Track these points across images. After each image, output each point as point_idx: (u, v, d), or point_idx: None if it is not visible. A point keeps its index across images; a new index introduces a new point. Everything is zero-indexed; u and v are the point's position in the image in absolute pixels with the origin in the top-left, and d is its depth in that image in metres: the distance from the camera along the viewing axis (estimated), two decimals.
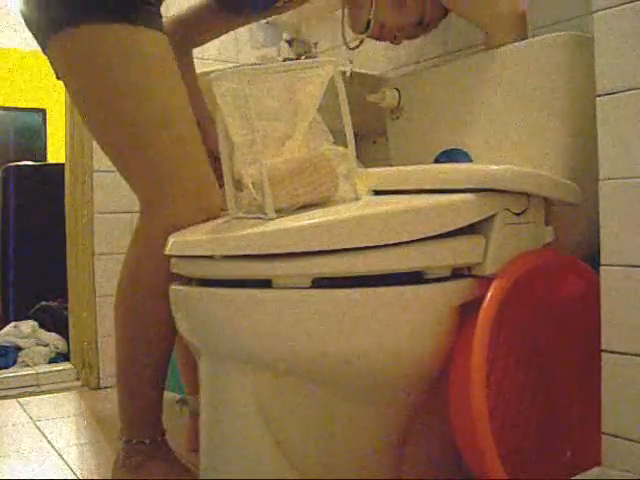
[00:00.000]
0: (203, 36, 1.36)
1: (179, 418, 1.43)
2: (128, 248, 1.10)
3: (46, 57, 1.11)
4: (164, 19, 1.12)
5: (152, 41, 1.03)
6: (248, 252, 0.83)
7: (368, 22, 1.34)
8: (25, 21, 1.09)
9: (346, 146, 0.96)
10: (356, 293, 0.85)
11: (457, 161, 1.29)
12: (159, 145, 1.03)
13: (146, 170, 1.05)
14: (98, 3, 1.01)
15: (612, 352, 0.86)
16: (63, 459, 1.31)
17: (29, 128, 4.08)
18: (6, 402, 1.76)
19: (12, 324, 2.22)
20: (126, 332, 1.10)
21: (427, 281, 0.90)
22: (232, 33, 2.07)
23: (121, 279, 1.11)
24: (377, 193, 1.00)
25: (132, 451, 1.10)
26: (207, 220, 1.03)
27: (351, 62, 1.46)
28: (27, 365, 2.03)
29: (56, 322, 2.24)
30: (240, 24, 1.37)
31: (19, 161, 2.73)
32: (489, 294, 0.89)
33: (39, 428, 1.50)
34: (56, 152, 3.83)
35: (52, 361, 2.09)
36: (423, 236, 0.87)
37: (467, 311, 0.92)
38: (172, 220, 1.02)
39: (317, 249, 0.82)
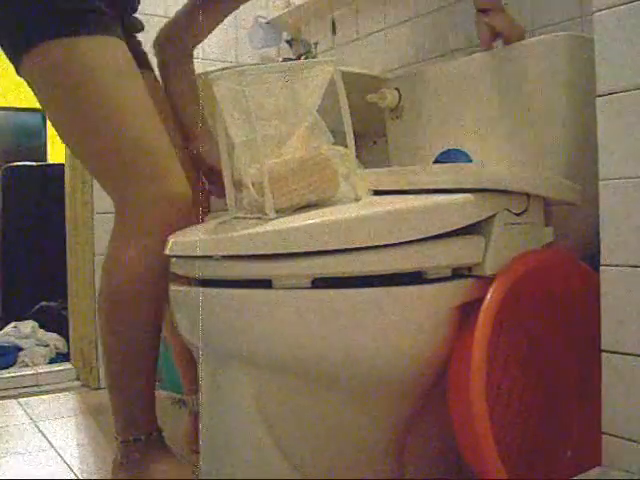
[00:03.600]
0: (198, 34, 1.37)
1: (179, 418, 1.43)
2: (107, 251, 1.11)
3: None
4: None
5: (106, 46, 1.06)
6: (248, 252, 0.83)
7: None
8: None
9: (346, 146, 0.96)
10: (356, 293, 0.85)
11: (457, 161, 1.29)
12: (116, 143, 1.06)
13: (110, 169, 1.08)
14: (51, 21, 1.04)
15: (612, 352, 0.86)
16: (63, 459, 1.31)
17: (29, 128, 4.07)
18: (6, 402, 1.76)
19: (12, 324, 2.22)
20: (114, 334, 1.10)
21: (427, 281, 0.90)
22: (232, 33, 2.08)
23: (104, 282, 1.11)
24: (377, 193, 1.00)
25: (130, 450, 1.11)
26: (177, 209, 1.06)
27: None
28: (27, 365, 2.03)
29: (56, 322, 2.24)
30: (229, 11, 1.37)
31: (19, 161, 2.72)
32: (489, 294, 0.89)
33: (39, 428, 1.50)
34: (56, 152, 3.82)
35: (52, 361, 2.09)
36: (423, 236, 0.87)
37: (467, 311, 0.92)
38: (140, 214, 1.06)
39: (317, 249, 0.82)
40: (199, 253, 0.88)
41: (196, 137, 1.30)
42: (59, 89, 1.07)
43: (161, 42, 1.33)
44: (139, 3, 1.25)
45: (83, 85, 1.05)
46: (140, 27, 1.28)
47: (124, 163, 1.07)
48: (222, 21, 1.37)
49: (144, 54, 1.28)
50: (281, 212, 0.89)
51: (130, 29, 1.23)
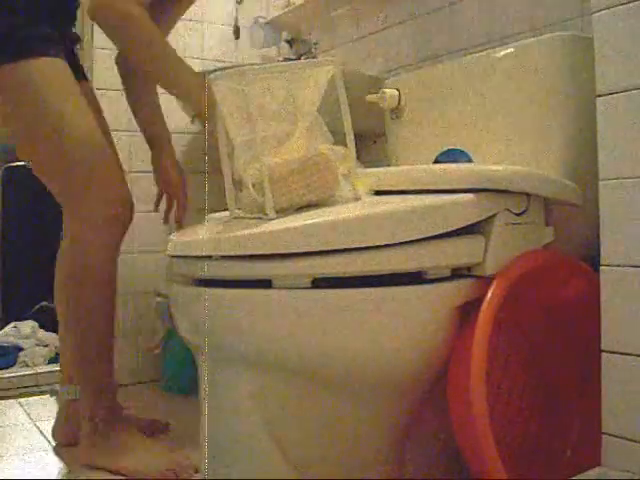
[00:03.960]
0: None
1: (179, 417, 1.43)
2: (62, 246, 1.27)
3: None
4: None
5: (49, 67, 1.18)
6: (248, 252, 0.84)
7: None
8: None
9: (346, 146, 0.96)
10: (356, 293, 0.85)
11: (457, 161, 1.29)
12: (64, 153, 1.18)
13: (61, 177, 1.22)
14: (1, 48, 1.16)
15: (612, 352, 0.86)
16: (63, 459, 1.31)
17: None
18: (6, 402, 1.75)
19: (12, 324, 2.21)
20: (76, 322, 1.26)
21: (427, 281, 0.90)
22: (232, 33, 2.07)
23: (64, 279, 1.25)
24: (377, 193, 1.00)
25: (97, 426, 1.21)
26: (121, 210, 1.20)
27: None
28: (27, 365, 2.02)
29: (56, 322, 2.24)
30: (175, 20, 1.45)
31: (19, 161, 2.72)
32: (489, 294, 0.89)
33: (39, 428, 1.50)
34: None
35: (52, 361, 2.09)
36: (423, 236, 0.87)
37: (467, 311, 0.92)
38: (85, 214, 1.20)
39: (317, 249, 0.82)
40: (199, 253, 0.88)
41: (158, 149, 1.41)
42: (11, 108, 1.19)
43: (121, 59, 1.43)
44: (75, 19, 1.36)
45: (30, 102, 1.17)
46: (77, 39, 1.39)
47: (73, 169, 1.19)
48: (171, 28, 1.45)
49: (81, 66, 1.38)
50: (281, 212, 0.89)
51: (69, 43, 1.33)
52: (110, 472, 1.18)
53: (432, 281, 0.90)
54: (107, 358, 1.25)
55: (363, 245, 0.83)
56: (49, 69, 1.18)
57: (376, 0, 1.76)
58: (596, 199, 0.89)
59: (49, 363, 2.07)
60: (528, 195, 0.97)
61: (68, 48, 1.29)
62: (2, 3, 1.17)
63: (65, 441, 1.33)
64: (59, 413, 1.37)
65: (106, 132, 1.34)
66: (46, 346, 2.13)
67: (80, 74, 1.34)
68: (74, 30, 1.38)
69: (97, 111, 1.34)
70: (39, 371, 1.94)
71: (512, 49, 1.21)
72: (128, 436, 1.22)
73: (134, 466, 1.16)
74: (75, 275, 1.22)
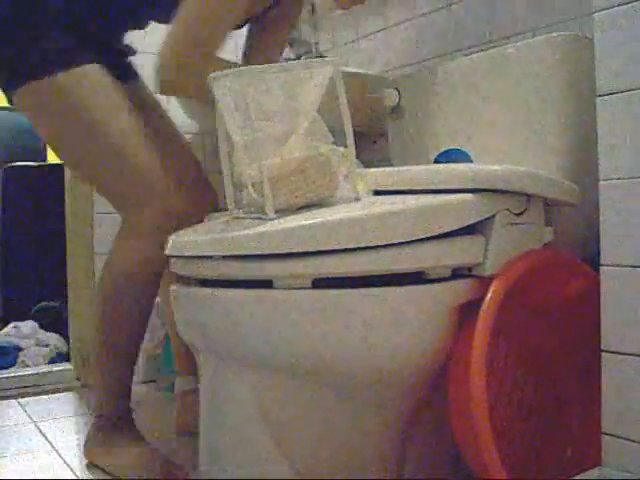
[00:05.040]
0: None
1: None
2: (114, 249, 1.21)
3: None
4: None
5: (83, 76, 1.14)
6: (248, 252, 0.83)
7: None
8: None
9: (346, 146, 0.96)
10: (356, 293, 0.85)
11: (457, 161, 1.29)
12: (109, 166, 1.17)
13: (105, 188, 1.23)
14: (25, 65, 1.14)
15: (612, 352, 0.86)
16: (63, 459, 1.31)
17: (29, 128, 4.07)
18: (6, 402, 1.75)
19: (12, 324, 2.21)
20: (109, 320, 1.22)
21: (427, 281, 0.90)
22: (232, 33, 2.07)
23: (108, 276, 1.22)
24: (377, 193, 1.00)
25: (100, 426, 1.21)
26: (173, 223, 1.10)
27: None
28: (27, 365, 2.02)
29: (56, 322, 2.24)
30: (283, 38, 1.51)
31: (19, 161, 2.72)
32: (489, 294, 0.89)
33: (39, 428, 1.50)
34: None
35: (52, 361, 2.09)
36: (423, 236, 0.87)
37: (467, 311, 0.92)
38: (137, 224, 1.17)
39: (317, 249, 0.82)
40: (199, 253, 0.88)
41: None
42: (48, 124, 1.19)
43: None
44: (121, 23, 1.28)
45: (69, 118, 1.15)
46: (131, 52, 1.33)
47: (116, 183, 1.18)
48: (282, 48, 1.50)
49: (129, 64, 1.33)
50: (281, 212, 0.89)
51: (109, 43, 1.27)
52: (108, 473, 1.18)
53: (432, 281, 0.90)
54: (132, 362, 1.24)
55: (363, 245, 0.83)
56: (85, 78, 1.14)
57: (376, 0, 1.76)
58: (596, 199, 0.89)
59: (49, 363, 2.07)
60: (528, 195, 0.98)
61: (107, 49, 1.23)
62: (16, 21, 1.13)
63: (186, 429, 1.35)
64: (177, 404, 1.41)
65: (166, 131, 1.30)
66: (46, 346, 2.13)
67: (129, 73, 1.31)
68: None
69: (153, 110, 1.30)
70: (39, 371, 1.94)
71: (512, 49, 1.21)
72: (131, 439, 1.21)
73: (132, 470, 1.16)
74: (111, 280, 1.21)
